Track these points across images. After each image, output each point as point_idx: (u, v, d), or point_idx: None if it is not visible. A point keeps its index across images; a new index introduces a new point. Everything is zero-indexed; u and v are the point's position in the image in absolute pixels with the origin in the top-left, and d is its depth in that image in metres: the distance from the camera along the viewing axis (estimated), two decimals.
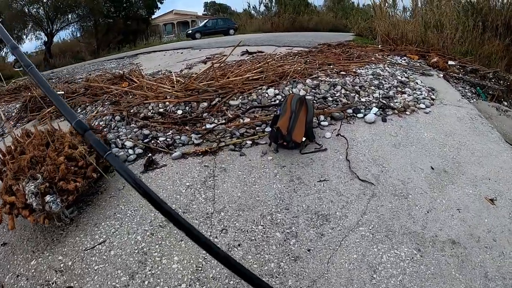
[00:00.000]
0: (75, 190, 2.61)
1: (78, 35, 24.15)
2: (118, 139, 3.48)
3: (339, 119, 3.62)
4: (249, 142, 3.25)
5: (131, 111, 3.86)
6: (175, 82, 4.22)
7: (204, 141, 3.33)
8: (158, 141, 3.43)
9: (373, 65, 5.06)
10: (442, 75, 5.30)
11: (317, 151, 3.10)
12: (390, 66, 5.23)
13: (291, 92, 3.92)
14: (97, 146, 0.71)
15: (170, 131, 3.53)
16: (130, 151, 3.34)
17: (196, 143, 3.32)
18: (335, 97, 3.95)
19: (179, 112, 3.62)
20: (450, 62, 6.08)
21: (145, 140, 3.46)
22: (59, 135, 3.06)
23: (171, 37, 31.41)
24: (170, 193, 2.70)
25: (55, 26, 21.64)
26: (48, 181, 2.63)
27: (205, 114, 3.61)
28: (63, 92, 5.06)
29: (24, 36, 20.93)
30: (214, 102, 3.72)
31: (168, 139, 3.44)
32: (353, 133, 3.41)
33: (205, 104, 3.68)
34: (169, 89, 3.77)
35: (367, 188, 2.68)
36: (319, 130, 3.43)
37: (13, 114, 5.35)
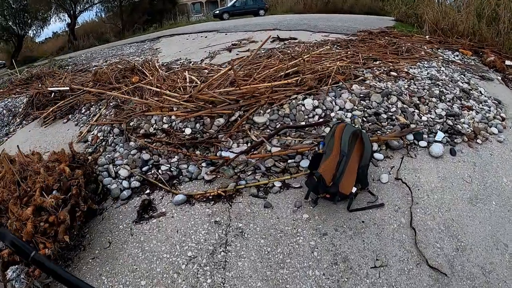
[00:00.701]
0: None
1: (103, 15, 23.46)
2: (111, 166, 2.75)
3: (397, 149, 2.65)
4: (277, 185, 2.39)
5: (131, 124, 3.08)
6: (187, 84, 3.35)
7: (218, 176, 2.51)
8: (160, 171, 2.67)
9: (425, 62, 4.29)
10: (500, 78, 4.37)
11: (371, 207, 2.20)
12: (444, 64, 4.40)
13: (333, 103, 2.93)
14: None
15: (176, 156, 2.74)
16: (125, 183, 2.61)
17: (207, 179, 2.51)
18: (390, 113, 2.95)
19: (187, 131, 2.78)
20: (507, 62, 4.93)
21: (144, 168, 2.71)
22: (33, 170, 2.35)
23: (200, 16, 29.76)
24: (165, 268, 1.96)
25: (78, 8, 21.06)
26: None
27: (220, 135, 2.76)
28: (68, 88, 4.39)
29: (49, 18, 20.63)
30: (233, 118, 2.84)
31: (172, 169, 2.66)
32: (416, 174, 2.46)
33: (222, 120, 2.81)
34: (176, 98, 2.92)
35: (438, 281, 1.81)
36: (371, 167, 2.48)
37: (20, 110, 4.81)
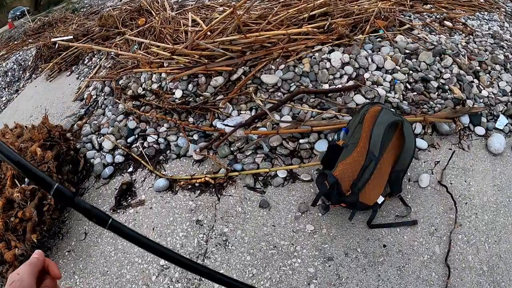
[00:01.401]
0: (14, 260, 1.71)
1: None
2: (95, 137, 2.36)
3: (446, 135, 1.89)
4: (281, 175, 1.81)
5: (120, 82, 2.59)
6: (189, 28, 2.69)
7: (211, 154, 1.99)
8: (146, 143, 2.22)
9: (486, 13, 3.32)
10: None
11: (400, 224, 1.58)
12: (508, 19, 3.37)
13: (369, 60, 2.11)
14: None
15: (165, 124, 2.24)
16: (108, 157, 2.23)
17: (196, 159, 2.01)
18: (442, 81, 2.13)
19: (178, 93, 2.22)
20: None
21: (130, 139, 2.29)
22: None
23: None
24: (135, 277, 1.62)
25: None
26: None
27: (219, 97, 2.17)
28: (71, 37, 3.95)
29: None
30: (235, 77, 2.19)
31: (160, 140, 2.20)
32: (466, 179, 1.77)
33: (220, 80, 2.18)
34: (168, 50, 2.31)
35: None
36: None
37: (29, 63, 4.54)
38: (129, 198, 2.00)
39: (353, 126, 1.60)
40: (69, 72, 3.61)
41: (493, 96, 2.11)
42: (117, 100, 2.45)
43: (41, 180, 0.41)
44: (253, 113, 2.09)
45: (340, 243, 1.54)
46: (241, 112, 2.12)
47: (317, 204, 1.64)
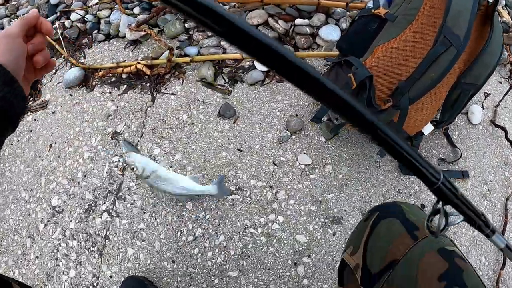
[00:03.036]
0: None
1: None
2: (6, 20, 1.56)
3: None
4: (260, 67, 1.03)
5: None
6: None
7: (153, 32, 1.20)
8: (69, 22, 1.43)
9: None
10: None
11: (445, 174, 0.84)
12: None
13: None
14: None
15: None
16: None
17: (130, 38, 1.24)
18: None
19: None
20: None
21: (51, 18, 1.49)
22: None
23: None
24: (18, 223, 1.02)
25: None
26: None
27: None
28: None
29: None
30: None
31: (88, 18, 1.42)
32: None
33: None
34: None
35: None
36: None
37: None
38: (31, 99, 1.29)
39: None
40: None
41: None
42: None
43: None
44: None
45: (354, 194, 0.85)
46: None
47: (321, 120, 0.89)
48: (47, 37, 1.42)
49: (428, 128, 0.90)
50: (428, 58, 0.77)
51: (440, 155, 1.00)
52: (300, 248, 0.85)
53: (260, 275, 0.83)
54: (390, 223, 0.45)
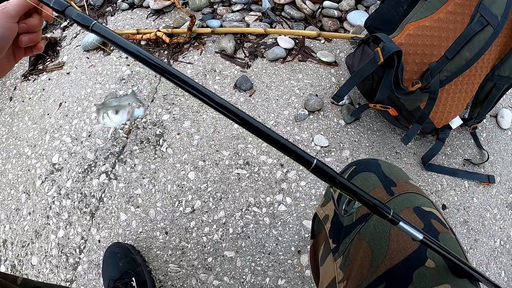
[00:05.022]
0: None
1: None
2: None
3: None
4: (283, 45, 0.98)
5: None
6: None
7: (179, 2, 1.16)
8: None
9: None
10: None
11: (468, 175, 0.91)
12: None
13: None
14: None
15: None
16: None
17: (154, 8, 1.21)
18: None
19: None
20: None
21: None
22: None
23: None
24: (17, 178, 0.98)
25: None
26: None
27: None
28: None
29: None
30: None
31: None
32: None
33: None
34: None
35: None
36: None
37: None
38: (48, 59, 1.28)
39: None
40: None
41: None
42: None
43: None
44: None
45: None
46: None
47: (342, 98, 0.82)
48: (72, 3, 1.42)
49: (456, 122, 0.81)
50: (463, 37, 0.69)
51: (466, 155, 0.91)
52: (307, 235, 0.77)
53: (258, 259, 0.75)
54: (367, 176, 0.42)
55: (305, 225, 0.77)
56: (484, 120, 1.00)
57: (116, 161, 0.88)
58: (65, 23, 1.37)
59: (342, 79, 0.95)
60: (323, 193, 0.80)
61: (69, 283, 0.79)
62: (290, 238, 0.76)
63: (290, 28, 1.07)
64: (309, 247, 0.76)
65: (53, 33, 1.39)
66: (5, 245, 0.90)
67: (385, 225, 0.37)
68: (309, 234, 0.76)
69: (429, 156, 0.85)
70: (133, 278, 0.69)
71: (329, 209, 0.45)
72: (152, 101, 0.96)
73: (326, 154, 0.83)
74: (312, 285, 0.73)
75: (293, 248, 0.76)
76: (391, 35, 0.76)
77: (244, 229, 0.77)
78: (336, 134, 0.85)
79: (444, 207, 0.84)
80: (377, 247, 0.36)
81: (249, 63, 0.98)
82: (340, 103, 0.89)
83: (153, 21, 1.20)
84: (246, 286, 0.73)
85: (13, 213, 0.93)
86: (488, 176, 0.89)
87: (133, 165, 0.86)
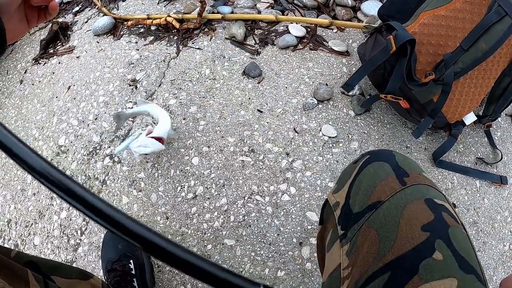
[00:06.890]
0: None
1: None
2: None
3: None
4: (294, 32, 0.96)
5: None
6: None
7: None
8: None
9: None
10: None
11: (480, 175, 0.86)
12: None
13: None
14: None
15: None
16: None
17: None
18: None
19: None
20: None
21: None
22: None
23: None
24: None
25: None
26: None
27: None
28: None
29: None
30: None
31: None
32: None
33: None
34: None
35: None
36: None
37: None
38: (59, 43, 1.28)
39: None
40: None
41: None
42: None
43: None
44: None
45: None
46: None
47: (353, 87, 0.79)
48: None
49: (470, 118, 0.78)
50: (480, 27, 0.66)
51: (479, 154, 0.87)
52: (309, 227, 0.74)
53: (258, 249, 0.73)
54: (380, 166, 0.41)
55: (309, 216, 0.75)
56: (499, 119, 0.95)
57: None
58: (77, 8, 1.38)
59: (354, 69, 0.92)
60: (329, 184, 0.78)
61: (68, 263, 0.79)
62: (292, 229, 0.74)
63: (302, 16, 1.04)
64: (311, 239, 0.74)
65: (65, 17, 1.40)
66: (9, 225, 0.91)
67: (395, 214, 0.36)
68: (312, 226, 0.74)
69: (441, 152, 0.82)
70: (131, 261, 0.68)
71: (340, 196, 0.44)
72: (159, 85, 0.95)
73: (334, 145, 0.81)
74: (312, 278, 0.70)
75: (294, 240, 0.74)
76: (405, 24, 0.73)
77: (246, 217, 0.75)
78: (345, 125, 0.82)
79: (454, 205, 0.80)
80: (385, 235, 0.35)
81: (259, 50, 0.96)
82: (350, 93, 0.86)
83: (164, 6, 1.19)
84: (245, 276, 0.71)
85: (18, 194, 0.94)
86: (501, 177, 0.85)
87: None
